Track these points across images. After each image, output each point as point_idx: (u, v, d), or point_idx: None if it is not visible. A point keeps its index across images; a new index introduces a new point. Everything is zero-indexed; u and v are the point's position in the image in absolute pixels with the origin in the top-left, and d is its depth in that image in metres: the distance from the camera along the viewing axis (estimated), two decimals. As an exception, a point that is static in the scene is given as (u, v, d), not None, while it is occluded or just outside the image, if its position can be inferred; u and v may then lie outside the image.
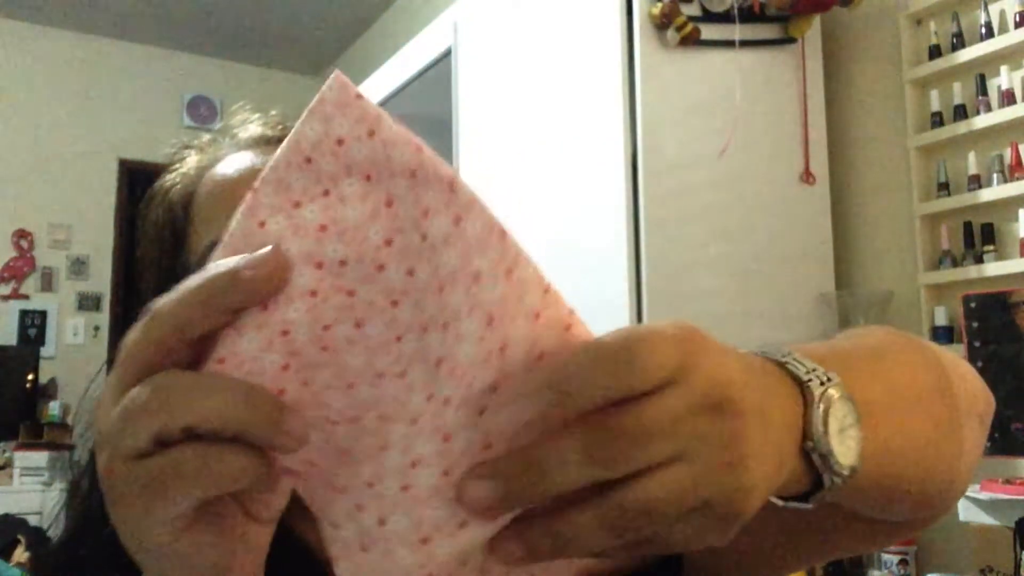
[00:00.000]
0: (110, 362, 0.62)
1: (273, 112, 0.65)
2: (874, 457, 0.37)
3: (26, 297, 4.49)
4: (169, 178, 0.61)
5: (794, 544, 0.54)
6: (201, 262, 0.53)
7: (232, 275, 0.30)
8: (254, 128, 0.63)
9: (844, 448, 0.35)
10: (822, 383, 0.35)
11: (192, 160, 0.62)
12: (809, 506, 0.36)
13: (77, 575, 0.54)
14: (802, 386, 0.35)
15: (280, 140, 0.61)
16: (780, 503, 0.36)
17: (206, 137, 0.64)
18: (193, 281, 0.30)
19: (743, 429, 0.29)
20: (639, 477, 0.28)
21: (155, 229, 0.60)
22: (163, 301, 0.30)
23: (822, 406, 0.34)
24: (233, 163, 0.59)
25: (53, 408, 4.05)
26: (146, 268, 0.60)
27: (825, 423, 0.34)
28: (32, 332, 4.45)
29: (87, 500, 0.58)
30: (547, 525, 0.29)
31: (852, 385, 0.36)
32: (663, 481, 0.28)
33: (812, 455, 0.34)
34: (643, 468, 0.28)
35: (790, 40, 2.13)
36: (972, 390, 0.50)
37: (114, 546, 0.53)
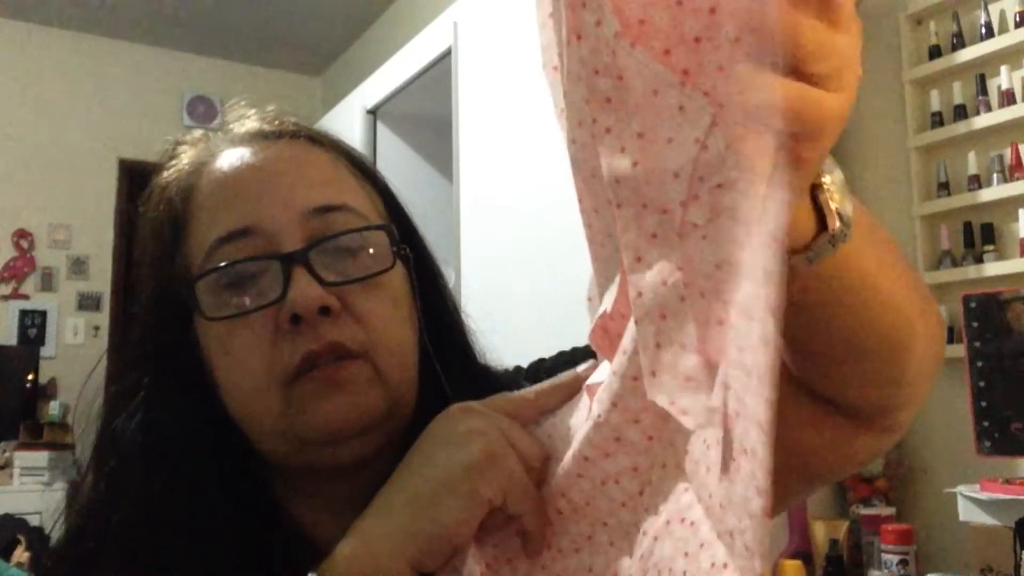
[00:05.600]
0: (110, 360, 0.63)
1: (270, 108, 0.65)
2: (860, 228, 0.42)
3: (26, 297, 4.49)
4: (166, 175, 0.61)
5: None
6: (211, 254, 0.54)
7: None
8: (250, 123, 0.63)
9: (845, 198, 0.41)
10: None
11: (187, 156, 0.62)
12: (802, 261, 0.41)
13: (78, 575, 0.55)
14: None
15: (276, 135, 0.61)
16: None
17: (198, 133, 0.65)
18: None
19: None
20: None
21: (154, 225, 0.60)
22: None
23: (831, 171, 0.41)
24: (233, 157, 0.59)
25: (53, 408, 4.04)
26: (145, 263, 0.60)
27: (834, 179, 0.41)
28: (32, 332, 4.45)
29: (88, 499, 0.58)
30: None
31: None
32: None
33: (820, 195, 0.40)
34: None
35: (790, 40, 2.12)
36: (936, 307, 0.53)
37: (114, 545, 0.53)
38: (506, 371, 0.68)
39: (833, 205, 0.41)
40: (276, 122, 0.63)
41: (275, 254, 0.54)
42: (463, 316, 0.66)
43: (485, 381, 0.64)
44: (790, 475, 0.57)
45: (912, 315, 0.48)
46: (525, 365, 0.70)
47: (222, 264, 0.54)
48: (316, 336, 0.52)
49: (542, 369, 0.67)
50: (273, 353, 0.53)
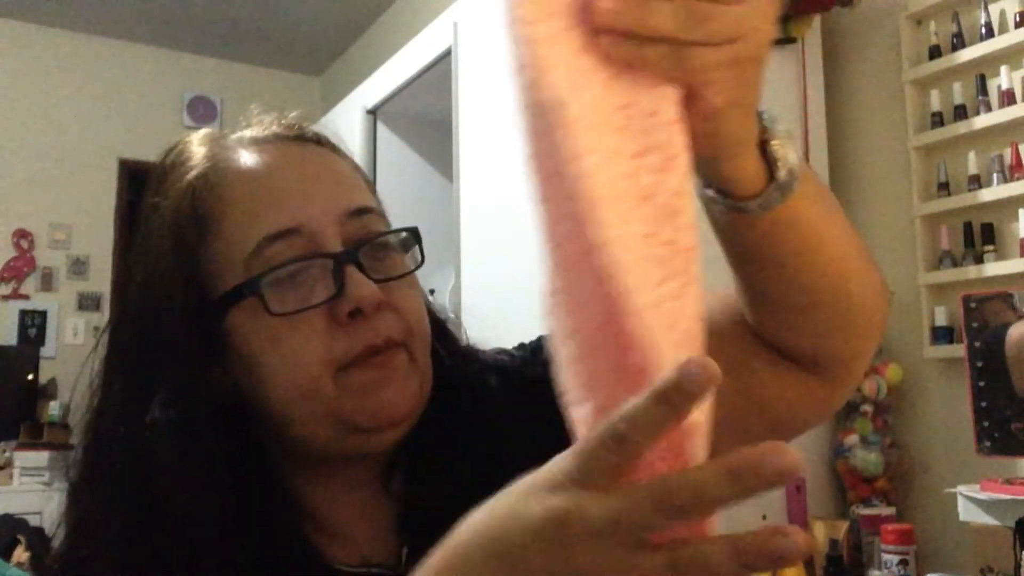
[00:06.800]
0: (105, 362, 0.63)
1: (293, 114, 0.67)
2: (806, 181, 0.48)
3: (26, 297, 4.49)
4: (183, 169, 0.61)
5: (735, 420, 0.57)
6: (259, 251, 0.56)
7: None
8: (272, 127, 0.64)
9: (790, 152, 0.47)
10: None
11: (202, 151, 0.62)
12: (756, 207, 0.47)
13: None
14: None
15: (297, 139, 0.62)
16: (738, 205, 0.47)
17: (206, 130, 0.65)
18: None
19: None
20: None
21: (175, 218, 0.59)
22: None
23: (774, 127, 0.48)
24: (263, 157, 0.60)
25: (53, 408, 4.04)
26: (162, 257, 0.59)
27: (779, 134, 0.47)
28: (32, 332, 4.45)
29: (86, 501, 0.58)
30: None
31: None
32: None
33: (768, 148, 0.47)
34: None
35: (790, 40, 2.12)
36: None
37: (113, 547, 0.53)
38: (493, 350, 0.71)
39: (779, 156, 0.47)
40: (295, 128, 0.65)
41: (328, 253, 0.57)
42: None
43: (474, 360, 0.68)
44: (754, 423, 0.62)
45: (856, 269, 0.54)
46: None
47: (284, 261, 0.56)
48: (374, 329, 0.56)
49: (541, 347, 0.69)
50: (330, 344, 0.56)
